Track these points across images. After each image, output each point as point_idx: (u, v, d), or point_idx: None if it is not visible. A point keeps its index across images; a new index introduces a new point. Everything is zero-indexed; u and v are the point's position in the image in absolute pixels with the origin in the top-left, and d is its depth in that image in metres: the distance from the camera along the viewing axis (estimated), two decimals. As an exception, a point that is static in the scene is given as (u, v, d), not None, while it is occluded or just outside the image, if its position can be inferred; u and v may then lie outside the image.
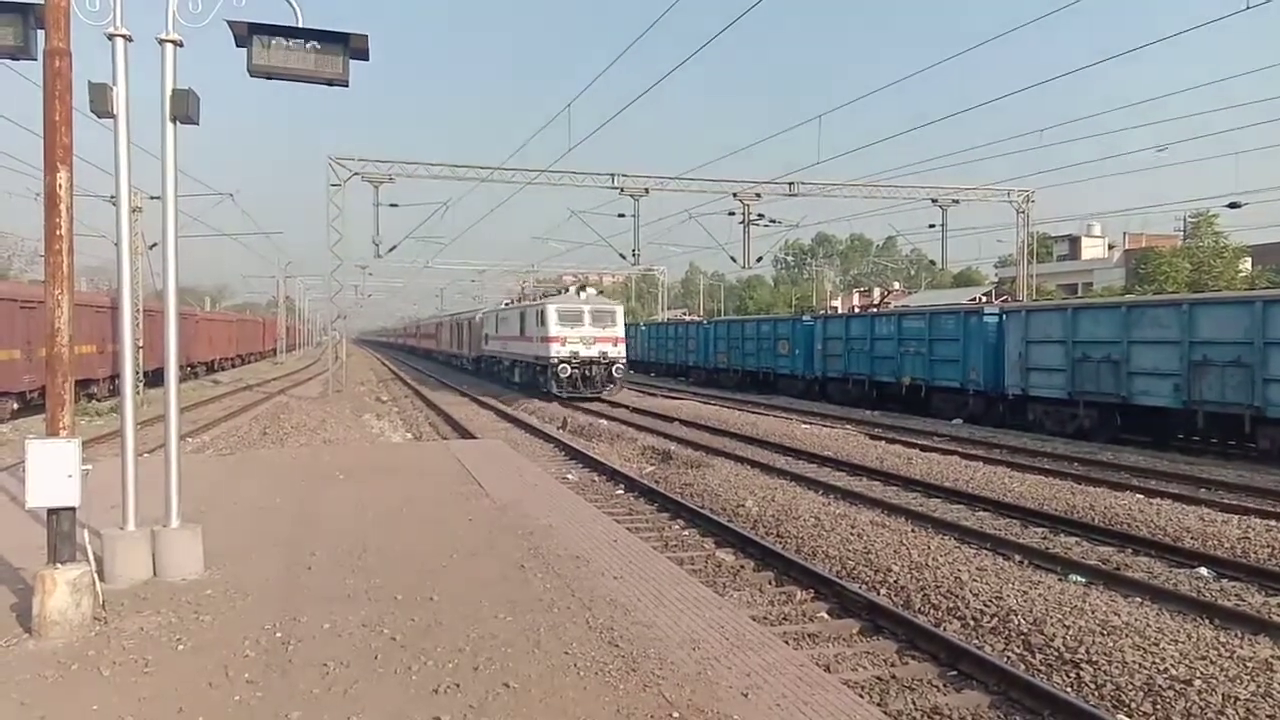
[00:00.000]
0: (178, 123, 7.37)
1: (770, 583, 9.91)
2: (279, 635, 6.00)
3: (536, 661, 5.56)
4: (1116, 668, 7.07)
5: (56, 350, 6.43)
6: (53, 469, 6.28)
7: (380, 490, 11.35)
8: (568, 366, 32.19)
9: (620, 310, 35.35)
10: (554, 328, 32.64)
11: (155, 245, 28.40)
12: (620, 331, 33.95)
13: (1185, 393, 19.27)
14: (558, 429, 24.40)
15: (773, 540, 11.45)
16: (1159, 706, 6.48)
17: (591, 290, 35.81)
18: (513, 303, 44.41)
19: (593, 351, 32.72)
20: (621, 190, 33.93)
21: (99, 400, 30.65)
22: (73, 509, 6.43)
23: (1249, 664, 7.01)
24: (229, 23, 7.31)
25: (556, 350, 32.42)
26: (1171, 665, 7.02)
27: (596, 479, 16.64)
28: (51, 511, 6.38)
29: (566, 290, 35.71)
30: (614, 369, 32.99)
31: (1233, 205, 34.07)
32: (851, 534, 11.50)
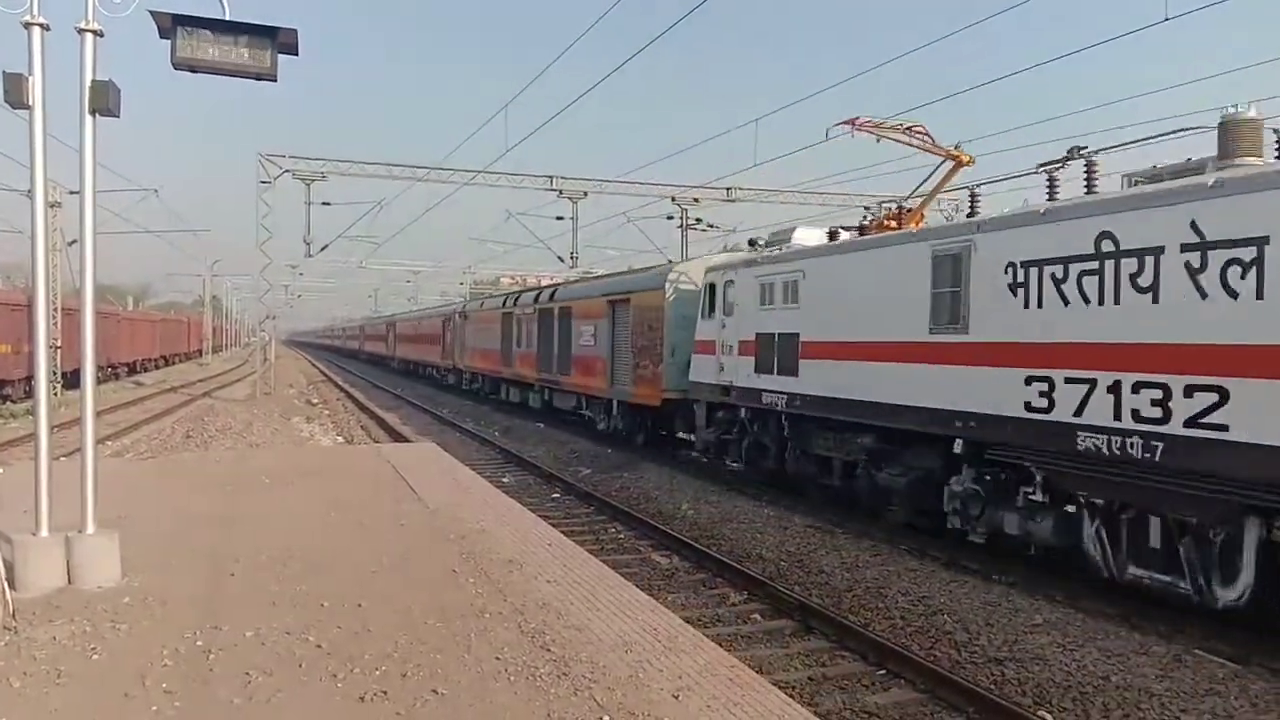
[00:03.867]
0: (97, 115, 7.12)
1: (704, 585, 9.96)
2: (199, 644, 5.83)
3: (466, 667, 5.49)
4: (1038, 665, 7.25)
5: (-36, 349, 6.16)
6: (-41, 473, 6.02)
7: (308, 495, 11.11)
8: None
9: None
10: None
11: (74, 242, 27.47)
12: None
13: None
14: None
15: (707, 543, 11.50)
16: (1078, 702, 6.66)
17: None
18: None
19: None
20: (560, 192, 33.82)
21: (14, 402, 29.55)
22: (-20, 515, 6.17)
23: (1163, 660, 7.26)
24: (152, 13, 7.09)
25: None
26: (1091, 662, 7.23)
27: (533, 482, 16.56)
28: (-43, 517, 6.12)
29: None
30: None
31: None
32: (785, 536, 11.62)
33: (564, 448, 20.76)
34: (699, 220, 35.67)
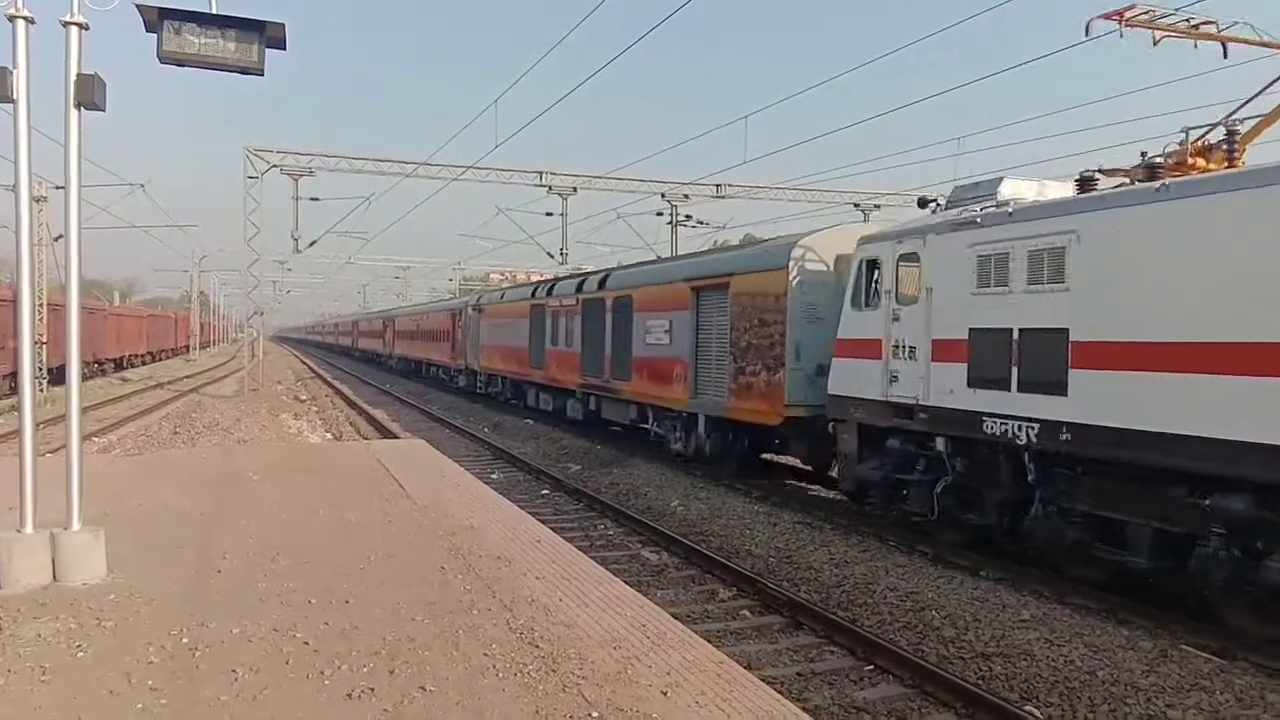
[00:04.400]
0: (83, 109, 7.07)
1: (694, 581, 9.97)
2: (185, 641, 5.80)
3: (455, 664, 5.47)
4: (1026, 660, 7.28)
5: (-53, 345, 6.11)
6: (-58, 469, 5.97)
7: (295, 491, 11.07)
8: None
9: None
10: None
11: (60, 237, 27.23)
12: None
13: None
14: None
15: (696, 539, 11.51)
16: (1065, 697, 6.70)
17: None
18: None
19: None
20: (549, 189, 33.75)
21: (-1, 398, 29.38)
22: (-36, 511, 6.13)
23: (1149, 655, 7.30)
24: (138, 6, 7.04)
25: None
26: (1078, 658, 7.27)
27: (522, 479, 16.53)
28: (-59, 514, 6.07)
29: None
30: None
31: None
32: (775, 533, 11.64)
33: (554, 444, 20.74)
34: (689, 216, 35.69)
